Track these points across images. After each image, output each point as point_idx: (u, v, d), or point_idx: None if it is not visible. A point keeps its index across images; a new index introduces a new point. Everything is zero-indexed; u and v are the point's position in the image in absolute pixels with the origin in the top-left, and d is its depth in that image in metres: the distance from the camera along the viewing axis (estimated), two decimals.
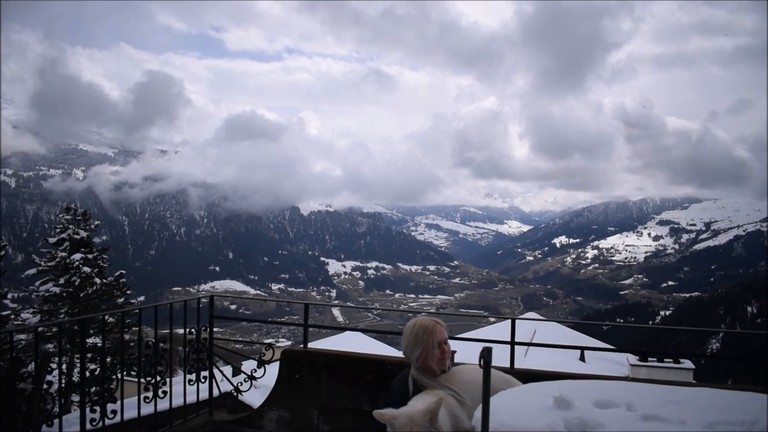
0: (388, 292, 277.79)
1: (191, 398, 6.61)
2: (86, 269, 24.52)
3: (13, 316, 24.29)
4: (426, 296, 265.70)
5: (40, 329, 6.47)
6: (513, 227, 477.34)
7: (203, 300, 6.85)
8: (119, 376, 5.91)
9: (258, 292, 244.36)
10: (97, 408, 5.38)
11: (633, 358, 19.95)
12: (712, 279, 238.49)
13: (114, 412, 5.48)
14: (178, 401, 6.29)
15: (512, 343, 6.09)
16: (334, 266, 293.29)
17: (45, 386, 5.49)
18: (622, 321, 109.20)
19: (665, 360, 19.96)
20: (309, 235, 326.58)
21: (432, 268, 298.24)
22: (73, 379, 20.88)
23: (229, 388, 7.09)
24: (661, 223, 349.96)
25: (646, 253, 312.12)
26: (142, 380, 5.91)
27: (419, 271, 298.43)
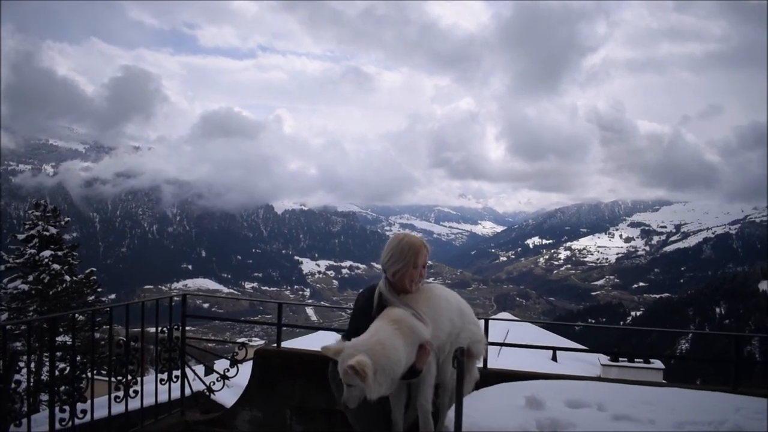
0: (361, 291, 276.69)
1: (163, 398, 6.56)
2: (56, 266, 24.15)
3: None
4: None
5: (8, 327, 6.36)
6: (487, 228, 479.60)
7: (175, 298, 6.79)
8: (89, 375, 5.83)
9: (231, 290, 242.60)
10: (67, 407, 5.31)
11: (604, 359, 20.15)
12: (681, 280, 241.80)
13: (84, 411, 5.42)
14: (149, 401, 6.24)
15: (485, 343, 6.12)
16: (308, 265, 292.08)
17: (13, 385, 5.41)
18: (593, 321, 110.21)
19: (636, 360, 20.20)
20: (283, 233, 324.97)
21: None
22: (42, 378, 20.64)
23: (202, 387, 7.04)
24: (633, 225, 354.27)
25: (617, 254, 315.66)
26: (113, 379, 5.85)
27: None
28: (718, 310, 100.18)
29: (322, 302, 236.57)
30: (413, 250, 4.05)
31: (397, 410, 4.11)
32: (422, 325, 3.81)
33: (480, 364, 4.29)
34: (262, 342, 22.10)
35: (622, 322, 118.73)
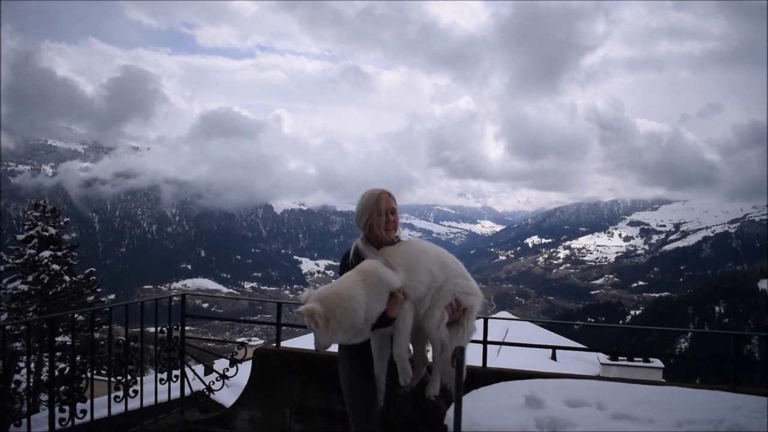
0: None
1: (162, 397, 6.56)
2: (55, 267, 24.16)
3: None
4: None
5: (7, 327, 6.36)
6: (486, 227, 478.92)
7: (175, 298, 6.79)
8: (89, 375, 5.83)
9: (230, 290, 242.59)
10: (67, 407, 5.32)
11: (604, 357, 20.15)
12: (681, 279, 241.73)
13: (84, 411, 5.42)
14: (149, 400, 6.25)
15: (485, 342, 6.12)
16: (307, 265, 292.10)
17: (13, 385, 5.41)
18: (593, 320, 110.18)
19: (635, 359, 20.20)
20: (282, 233, 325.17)
21: None
22: (42, 378, 20.64)
23: (201, 387, 7.04)
24: (632, 223, 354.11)
25: (616, 253, 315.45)
26: (113, 379, 5.85)
27: None
28: (717, 308, 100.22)
29: None
30: (373, 198, 4.22)
31: (378, 365, 4.12)
32: (392, 273, 3.87)
33: (476, 320, 4.11)
34: (262, 342, 22.07)
35: (621, 321, 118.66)
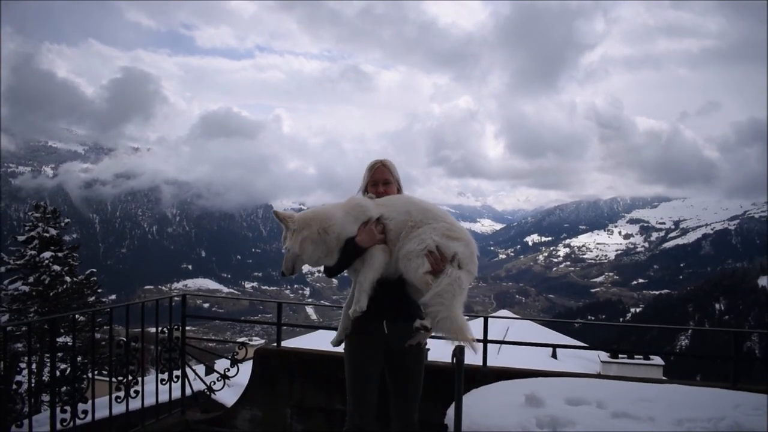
0: None
1: (163, 398, 6.56)
2: (56, 267, 24.19)
3: None
4: None
5: (8, 328, 6.37)
6: (486, 225, 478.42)
7: (175, 298, 6.79)
8: (90, 375, 5.84)
9: (231, 290, 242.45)
10: (68, 408, 5.31)
11: (604, 355, 20.19)
12: (681, 277, 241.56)
13: (85, 412, 5.42)
14: (150, 401, 6.25)
15: (485, 341, 6.12)
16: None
17: (14, 386, 5.41)
18: (593, 318, 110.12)
19: (635, 357, 20.23)
20: (282, 233, 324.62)
21: None
22: (44, 378, 20.64)
23: (202, 387, 7.05)
24: (632, 221, 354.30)
25: (616, 251, 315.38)
26: (114, 380, 5.86)
27: None
28: (717, 306, 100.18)
29: (322, 301, 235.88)
30: (367, 167, 4.41)
31: (359, 291, 3.97)
32: (372, 204, 4.04)
33: (464, 273, 3.89)
34: (262, 341, 22.08)
35: (621, 319, 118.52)
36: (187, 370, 6.88)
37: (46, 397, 19.02)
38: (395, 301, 4.08)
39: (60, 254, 24.80)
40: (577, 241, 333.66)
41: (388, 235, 3.97)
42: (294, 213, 3.93)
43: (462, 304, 3.79)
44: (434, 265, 3.78)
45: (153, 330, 6.53)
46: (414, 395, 4.24)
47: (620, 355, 20.30)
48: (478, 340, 6.11)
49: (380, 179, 4.31)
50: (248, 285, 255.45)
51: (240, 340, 8.83)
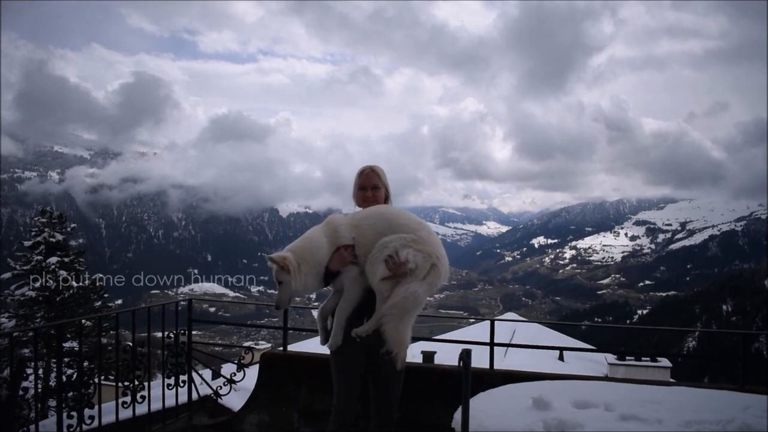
0: None
1: (170, 402, 6.56)
2: (62, 272, 24.24)
3: None
4: None
5: (15, 334, 6.38)
6: (491, 228, 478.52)
7: (181, 303, 6.81)
8: (97, 380, 5.85)
9: (237, 294, 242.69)
10: (75, 413, 5.32)
11: (611, 358, 20.13)
12: (688, 278, 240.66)
13: (92, 417, 5.43)
14: (156, 406, 6.24)
15: (491, 344, 6.11)
16: None
17: (21, 392, 5.42)
18: (600, 320, 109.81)
19: (643, 359, 20.16)
20: (288, 236, 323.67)
21: None
22: (50, 384, 20.68)
23: (209, 391, 7.05)
24: (638, 223, 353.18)
25: (623, 252, 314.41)
26: (120, 385, 5.86)
27: None
28: (724, 307, 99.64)
29: None
30: (357, 173, 4.49)
31: (336, 325, 4.12)
32: (346, 226, 4.05)
33: (423, 286, 3.87)
34: (269, 345, 22.10)
35: (628, 321, 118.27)
36: (194, 374, 6.88)
37: (52, 403, 19.11)
38: (370, 311, 4.11)
39: (66, 259, 24.85)
40: (583, 243, 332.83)
41: (359, 258, 4.03)
42: (286, 254, 3.89)
43: (413, 318, 3.94)
44: (393, 269, 3.86)
45: (159, 334, 6.54)
46: (392, 395, 4.35)
47: (627, 358, 20.23)
48: (486, 343, 6.12)
49: (369, 184, 4.43)
50: (254, 289, 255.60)
51: (246, 344, 8.84)
